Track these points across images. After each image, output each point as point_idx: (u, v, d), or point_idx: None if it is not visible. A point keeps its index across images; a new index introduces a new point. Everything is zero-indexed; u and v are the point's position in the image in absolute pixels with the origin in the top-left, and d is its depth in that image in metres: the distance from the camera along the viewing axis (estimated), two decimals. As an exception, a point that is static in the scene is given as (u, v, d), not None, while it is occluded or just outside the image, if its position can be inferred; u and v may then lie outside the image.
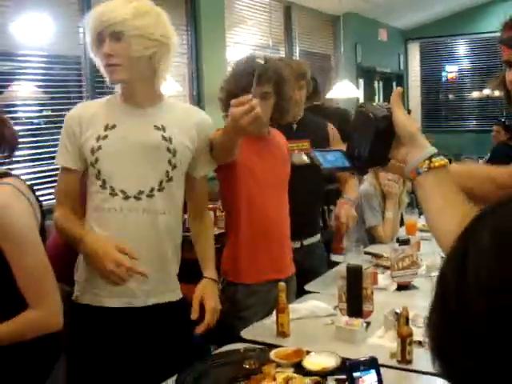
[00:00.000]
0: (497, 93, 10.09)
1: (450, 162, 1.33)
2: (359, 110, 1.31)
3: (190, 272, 2.42)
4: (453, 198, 1.27)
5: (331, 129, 3.55)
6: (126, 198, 2.21)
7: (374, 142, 1.27)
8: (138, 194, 2.21)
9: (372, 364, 1.10)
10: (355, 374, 1.09)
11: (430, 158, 1.25)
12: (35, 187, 2.99)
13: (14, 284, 1.85)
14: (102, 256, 2.11)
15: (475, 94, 11.86)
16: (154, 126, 2.25)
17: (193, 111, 2.46)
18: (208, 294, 2.34)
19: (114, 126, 2.22)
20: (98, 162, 2.17)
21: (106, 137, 2.20)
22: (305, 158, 3.17)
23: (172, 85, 5.00)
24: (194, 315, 2.28)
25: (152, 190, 2.23)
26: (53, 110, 5.12)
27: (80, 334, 2.27)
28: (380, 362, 1.74)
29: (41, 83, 4.99)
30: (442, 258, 2.78)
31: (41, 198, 2.07)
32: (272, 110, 2.70)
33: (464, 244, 0.68)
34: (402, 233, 4.01)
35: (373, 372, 1.07)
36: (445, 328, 0.66)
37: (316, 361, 2.07)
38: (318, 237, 3.47)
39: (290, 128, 3.33)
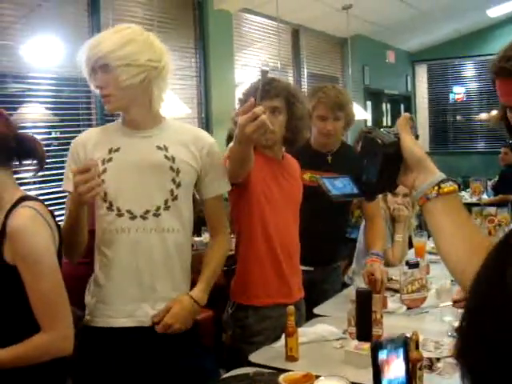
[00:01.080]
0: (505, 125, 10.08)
1: (459, 188, 1.32)
2: (367, 135, 1.31)
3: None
4: (463, 226, 1.26)
5: None
6: (133, 217, 2.22)
7: (382, 167, 1.26)
8: (145, 213, 2.23)
9: (401, 343, 1.02)
10: (380, 355, 0.96)
11: (438, 184, 1.25)
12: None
13: (27, 306, 1.86)
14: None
15: (483, 116, 11.86)
16: (157, 146, 2.28)
17: (194, 131, 2.47)
18: (175, 309, 2.26)
19: (118, 149, 2.25)
20: (104, 184, 2.18)
21: (110, 159, 2.23)
22: None
23: (181, 107, 5.02)
24: (153, 319, 2.24)
25: (158, 208, 2.25)
26: (62, 132, 5.15)
27: (91, 357, 2.26)
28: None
29: (50, 105, 5.02)
30: (452, 281, 2.77)
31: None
32: (284, 128, 2.71)
33: (502, 256, 0.68)
34: (410, 255, 3.99)
35: (401, 352, 0.99)
36: (479, 341, 0.64)
37: (325, 385, 2.05)
38: (336, 264, 3.47)
39: (325, 159, 3.31)
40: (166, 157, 2.27)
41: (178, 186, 2.28)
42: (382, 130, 1.32)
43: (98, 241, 2.28)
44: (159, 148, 2.28)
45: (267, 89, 2.64)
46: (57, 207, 4.43)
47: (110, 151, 2.25)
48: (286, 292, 2.76)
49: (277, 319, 2.66)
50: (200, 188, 2.39)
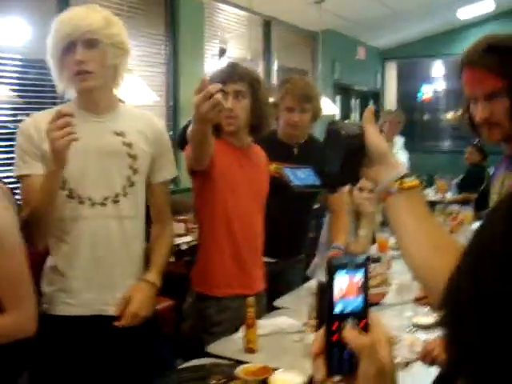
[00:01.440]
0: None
1: (422, 185, 1.31)
2: (331, 127, 1.29)
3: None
4: (425, 222, 1.25)
5: None
6: (93, 204, 2.20)
7: (345, 159, 1.25)
8: (104, 200, 2.21)
9: (361, 263, 0.92)
10: (338, 276, 0.86)
11: (401, 179, 1.24)
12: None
13: None
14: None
15: (449, 116, 11.99)
16: (114, 131, 2.26)
17: (147, 116, 2.45)
18: (136, 297, 2.26)
19: None
20: (63, 171, 2.12)
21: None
22: None
23: (149, 94, 4.96)
24: (116, 312, 2.23)
25: (117, 195, 2.23)
26: (27, 115, 5.06)
27: (50, 346, 2.22)
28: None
29: (15, 87, 4.92)
30: (413, 277, 2.79)
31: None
32: (248, 112, 2.69)
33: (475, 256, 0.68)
34: (373, 250, 4.02)
35: (361, 273, 0.88)
36: (462, 314, 0.67)
37: (283, 378, 2.05)
38: (301, 256, 3.46)
39: (291, 151, 3.30)
40: (124, 143, 2.26)
41: (135, 172, 2.28)
42: (346, 122, 1.31)
43: (56, 229, 2.23)
44: (117, 134, 2.25)
45: (230, 72, 2.63)
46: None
47: None
48: (246, 283, 2.75)
49: (237, 310, 2.64)
50: (150, 173, 2.37)
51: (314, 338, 0.91)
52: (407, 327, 2.62)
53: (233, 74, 2.63)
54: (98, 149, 2.20)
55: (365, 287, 0.89)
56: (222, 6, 7.20)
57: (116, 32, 2.18)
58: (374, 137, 1.26)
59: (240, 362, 2.20)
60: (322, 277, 2.79)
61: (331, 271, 0.87)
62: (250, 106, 2.67)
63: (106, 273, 2.24)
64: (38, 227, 2.11)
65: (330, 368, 0.89)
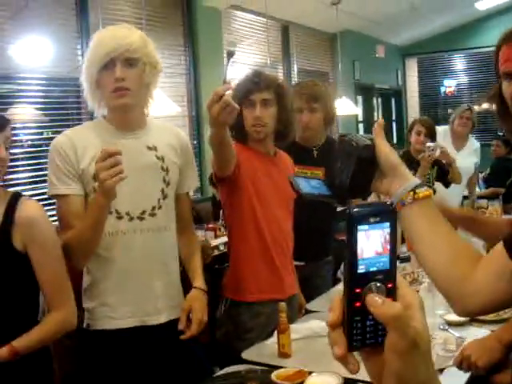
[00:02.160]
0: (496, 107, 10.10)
1: (434, 193, 1.31)
2: (342, 138, 1.29)
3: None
4: (441, 232, 1.25)
5: None
6: (131, 219, 2.24)
7: (355, 171, 1.23)
8: (141, 213, 2.26)
9: (387, 214, 0.78)
10: (360, 227, 0.74)
11: (413, 190, 1.23)
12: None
13: (32, 291, 2.02)
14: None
15: (474, 108, 11.87)
16: (147, 146, 2.30)
17: (173, 129, 2.53)
18: (196, 305, 2.33)
19: None
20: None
21: None
22: None
23: (170, 106, 5.01)
24: (181, 326, 2.28)
25: (153, 208, 2.28)
26: (53, 132, 5.13)
27: (94, 359, 2.27)
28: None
29: (40, 106, 5.00)
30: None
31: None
32: (275, 120, 2.71)
33: None
34: (403, 249, 4.00)
35: (387, 226, 0.75)
36: None
37: (318, 381, 2.06)
38: (328, 258, 3.46)
39: (311, 153, 3.31)
40: (157, 157, 2.31)
41: (168, 184, 2.33)
42: (358, 134, 1.31)
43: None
44: (149, 148, 2.30)
45: (256, 81, 2.65)
46: (49, 207, 4.42)
47: None
48: (278, 287, 2.77)
49: (269, 315, 2.67)
50: (178, 184, 2.43)
51: (329, 307, 0.78)
52: (440, 325, 2.61)
53: (259, 82, 2.66)
54: (134, 164, 2.22)
55: (392, 242, 0.76)
56: (238, 13, 7.24)
57: (152, 51, 2.24)
58: (385, 149, 1.25)
59: (275, 367, 2.21)
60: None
61: (352, 224, 0.74)
62: (276, 113, 2.70)
63: (146, 284, 2.28)
64: (83, 251, 2.17)
65: (352, 341, 0.76)
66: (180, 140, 2.43)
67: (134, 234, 2.24)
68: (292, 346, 2.41)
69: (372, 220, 0.74)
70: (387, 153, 1.25)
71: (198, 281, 2.42)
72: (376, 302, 0.73)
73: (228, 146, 2.42)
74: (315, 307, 3.02)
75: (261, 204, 2.71)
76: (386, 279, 0.75)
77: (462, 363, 2.11)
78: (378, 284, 0.75)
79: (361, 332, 0.75)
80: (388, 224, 0.74)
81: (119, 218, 2.22)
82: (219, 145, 2.38)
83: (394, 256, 0.75)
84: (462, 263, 1.23)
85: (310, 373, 2.12)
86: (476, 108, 11.62)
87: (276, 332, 2.42)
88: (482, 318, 2.72)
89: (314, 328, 2.62)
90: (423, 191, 1.24)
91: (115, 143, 2.20)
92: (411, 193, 1.23)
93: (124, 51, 2.15)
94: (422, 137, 4.63)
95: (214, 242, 4.84)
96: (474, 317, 2.14)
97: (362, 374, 0.76)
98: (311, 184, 1.30)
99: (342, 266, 2.97)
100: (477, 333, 2.53)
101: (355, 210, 0.74)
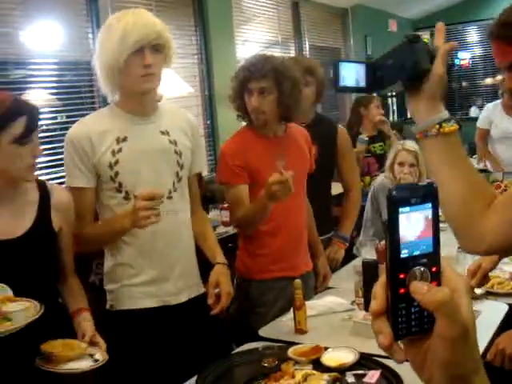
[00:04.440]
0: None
1: (460, 128, 1.31)
2: (411, 45, 1.28)
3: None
4: (462, 166, 1.26)
5: (342, 132, 3.50)
6: None
7: (403, 82, 1.26)
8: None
9: (429, 194, 0.74)
10: (402, 212, 0.70)
11: (440, 123, 1.25)
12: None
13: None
14: (131, 210, 2.15)
15: (489, 81, 11.76)
16: (160, 131, 2.35)
17: (181, 112, 2.58)
18: (222, 279, 2.39)
19: (125, 138, 2.27)
20: (119, 175, 2.25)
21: (120, 150, 2.26)
22: None
23: (183, 86, 5.02)
24: (210, 300, 2.33)
25: (170, 191, 2.33)
26: (67, 117, 5.16)
27: (118, 339, 2.30)
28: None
29: (53, 90, 5.02)
30: (459, 249, 2.78)
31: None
32: (276, 106, 2.71)
33: None
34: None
35: (429, 207, 0.72)
36: None
37: (334, 357, 2.09)
38: (329, 234, 3.46)
39: None
40: (170, 141, 2.35)
41: (182, 167, 2.38)
42: (425, 40, 1.29)
43: None
44: (163, 133, 2.35)
45: (252, 70, 2.65)
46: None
47: (118, 141, 2.26)
48: (288, 266, 2.80)
49: (280, 290, 2.72)
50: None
51: (373, 292, 0.74)
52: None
53: (255, 72, 2.66)
54: (149, 149, 2.30)
55: (435, 223, 0.73)
56: (249, -10, 7.20)
57: (170, 37, 2.29)
58: (438, 76, 1.27)
59: (291, 344, 2.24)
60: (367, 255, 2.82)
61: (393, 208, 0.70)
62: (276, 99, 2.70)
63: (167, 265, 2.35)
64: (94, 247, 2.41)
65: (397, 329, 0.72)
66: (190, 123, 2.48)
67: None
68: (308, 323, 2.44)
69: (413, 201, 0.71)
70: (438, 80, 1.27)
71: (219, 256, 2.48)
72: (421, 288, 0.69)
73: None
74: (331, 283, 3.05)
75: None
76: (431, 263, 0.72)
77: (496, 357, 2.08)
78: (422, 268, 0.71)
79: (406, 320, 0.72)
80: (430, 205, 0.72)
81: None
82: (262, 217, 2.60)
83: (437, 238, 0.73)
84: (478, 201, 1.25)
85: (326, 348, 2.14)
86: (490, 80, 11.56)
87: (292, 309, 2.44)
88: (496, 290, 2.73)
89: (330, 304, 2.64)
90: (449, 126, 1.25)
91: (127, 130, 2.25)
92: (437, 126, 1.24)
93: (152, 39, 2.20)
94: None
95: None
96: (479, 254, 2.08)
97: (376, 348, 0.74)
98: (352, 71, 1.26)
99: (357, 243, 3.00)
100: (492, 306, 2.54)
101: (395, 192, 0.71)
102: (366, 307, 2.43)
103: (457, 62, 12.44)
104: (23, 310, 1.83)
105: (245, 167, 2.71)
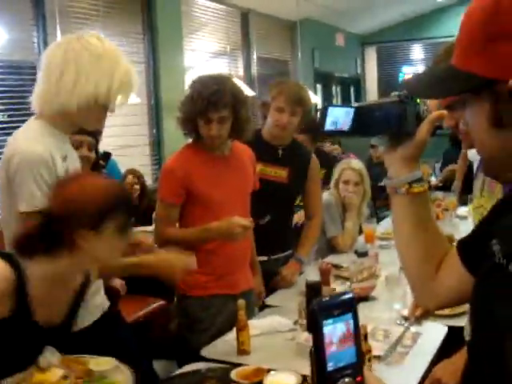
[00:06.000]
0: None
1: (430, 188, 1.33)
2: (399, 103, 1.27)
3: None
4: (421, 227, 1.28)
5: (314, 163, 3.48)
6: None
7: (384, 135, 1.27)
8: None
9: (349, 303, 0.76)
10: (325, 325, 0.72)
11: (411, 183, 1.26)
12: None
13: None
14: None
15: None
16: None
17: None
18: None
19: (65, 157, 2.16)
20: None
21: (67, 169, 2.14)
22: None
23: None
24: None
25: None
26: (8, 116, 5.04)
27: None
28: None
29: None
30: (401, 268, 2.81)
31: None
32: (230, 129, 2.72)
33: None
34: (360, 240, 4.05)
35: (349, 317, 0.73)
36: None
37: (277, 380, 2.07)
38: (289, 252, 3.46)
39: (276, 152, 3.30)
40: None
41: None
42: (417, 103, 1.28)
43: None
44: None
45: (214, 100, 2.62)
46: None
47: (64, 159, 2.14)
48: (230, 285, 2.80)
49: (219, 308, 2.74)
50: None
51: None
52: (397, 320, 2.65)
53: (216, 102, 2.63)
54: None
55: (356, 331, 0.75)
56: (198, 0, 7.18)
57: None
58: (423, 135, 1.26)
59: (234, 365, 2.22)
60: (310, 273, 2.82)
61: (316, 322, 0.73)
62: (230, 123, 2.71)
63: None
64: None
65: None
66: None
67: None
68: (251, 342, 2.42)
69: (336, 313, 0.74)
70: (422, 142, 1.26)
71: None
72: None
73: None
74: (274, 302, 3.04)
75: (211, 211, 2.72)
76: (355, 373, 0.75)
77: None
78: (347, 379, 0.75)
79: None
80: (350, 315, 0.75)
81: None
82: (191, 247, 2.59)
83: (359, 347, 0.75)
84: (432, 263, 1.27)
85: (269, 370, 2.13)
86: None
87: (235, 329, 2.43)
88: (437, 312, 2.77)
89: (274, 324, 2.63)
90: (419, 186, 1.26)
91: (66, 148, 2.19)
92: (407, 185, 1.26)
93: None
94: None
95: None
96: (430, 309, 2.16)
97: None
98: (339, 116, 1.25)
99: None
100: (432, 327, 2.57)
101: (317, 306, 0.74)
102: (308, 329, 2.42)
103: (401, 76, 12.69)
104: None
105: (185, 187, 2.70)
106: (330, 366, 0.74)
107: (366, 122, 1.25)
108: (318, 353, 0.74)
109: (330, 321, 0.74)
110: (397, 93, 1.27)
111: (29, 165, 2.01)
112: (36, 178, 2.01)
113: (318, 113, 1.27)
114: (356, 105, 1.26)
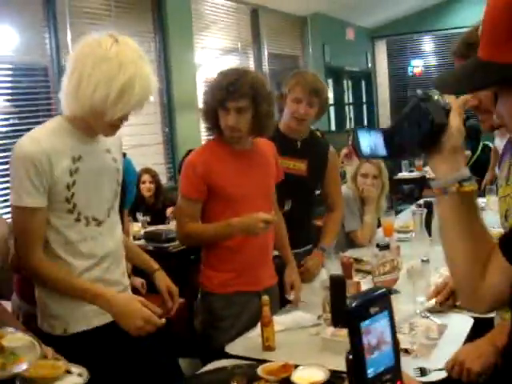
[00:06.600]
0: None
1: (480, 188, 1.30)
2: (421, 103, 1.25)
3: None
4: (470, 229, 1.25)
5: (332, 154, 3.47)
6: (99, 224, 2.22)
7: (420, 140, 1.24)
8: (104, 217, 2.25)
9: (384, 302, 0.73)
10: (363, 327, 0.68)
11: (460, 182, 1.23)
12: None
13: None
14: (129, 314, 2.07)
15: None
16: (106, 149, 2.27)
17: None
18: (168, 282, 2.46)
19: (80, 158, 2.14)
20: (74, 196, 2.12)
21: (77, 170, 2.13)
22: None
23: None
24: (169, 306, 2.42)
25: (109, 209, 2.28)
26: (20, 118, 5.05)
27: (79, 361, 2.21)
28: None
29: (8, 97, 4.91)
30: (423, 261, 2.79)
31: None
32: (251, 123, 2.68)
33: None
34: (379, 234, 4.02)
35: (386, 315, 0.70)
36: None
37: (304, 375, 2.05)
38: (309, 246, 3.44)
39: (294, 145, 3.28)
40: (113, 159, 2.30)
41: (118, 184, 2.34)
42: (436, 98, 1.26)
43: (59, 251, 2.16)
44: (107, 151, 2.28)
45: (232, 90, 2.60)
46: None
47: (74, 160, 2.13)
48: (253, 281, 2.77)
49: (243, 304, 2.71)
50: None
51: None
52: (421, 312, 2.62)
53: (234, 92, 2.60)
54: (101, 169, 2.22)
55: (393, 333, 0.71)
56: (208, -3, 7.18)
57: None
58: (456, 128, 1.24)
59: (259, 361, 2.21)
60: (332, 266, 2.80)
61: (354, 325, 0.68)
62: (252, 117, 2.66)
63: (111, 281, 2.27)
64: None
65: None
66: (120, 139, 2.39)
67: (100, 236, 2.23)
68: (275, 339, 2.40)
69: (372, 312, 0.70)
70: (456, 133, 1.24)
71: (155, 264, 2.49)
72: None
73: None
74: (296, 297, 3.02)
75: (233, 207, 2.69)
76: (394, 378, 0.71)
77: (454, 368, 2.07)
78: None
79: None
80: (387, 312, 0.71)
81: (87, 224, 2.18)
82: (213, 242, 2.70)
83: (397, 347, 0.72)
84: (479, 264, 1.24)
85: (296, 366, 2.11)
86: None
87: (259, 325, 2.41)
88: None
89: (297, 319, 2.62)
90: (469, 185, 1.23)
91: (80, 149, 2.15)
92: (457, 184, 1.23)
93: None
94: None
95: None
96: (480, 313, 2.14)
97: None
98: (369, 144, 1.25)
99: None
100: (458, 319, 2.55)
101: (352, 304, 0.70)
102: (334, 323, 2.40)
103: (410, 69, 12.64)
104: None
105: (206, 182, 2.67)
106: (370, 373, 0.69)
107: (399, 139, 1.25)
108: (356, 359, 0.68)
109: (368, 322, 0.69)
110: (415, 93, 1.26)
111: (18, 161, 2.06)
112: (21, 176, 2.04)
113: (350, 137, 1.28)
114: (383, 129, 1.27)
